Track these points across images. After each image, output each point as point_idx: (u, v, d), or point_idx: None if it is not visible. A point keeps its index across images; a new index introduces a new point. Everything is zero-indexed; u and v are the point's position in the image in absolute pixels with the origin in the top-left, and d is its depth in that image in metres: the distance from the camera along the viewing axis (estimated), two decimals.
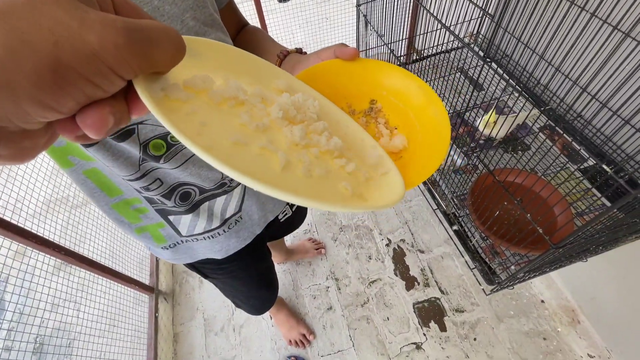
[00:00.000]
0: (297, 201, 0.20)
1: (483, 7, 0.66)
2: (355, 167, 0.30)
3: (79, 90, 0.14)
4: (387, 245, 1.42)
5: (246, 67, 0.32)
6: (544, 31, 0.62)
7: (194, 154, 0.45)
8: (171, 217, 0.51)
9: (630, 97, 0.40)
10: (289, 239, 1.48)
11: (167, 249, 0.56)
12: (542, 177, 0.75)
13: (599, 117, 0.65)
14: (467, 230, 0.79)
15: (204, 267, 0.65)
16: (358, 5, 0.94)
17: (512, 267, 0.72)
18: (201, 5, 0.40)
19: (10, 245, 0.86)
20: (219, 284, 0.75)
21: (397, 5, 0.86)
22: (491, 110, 0.79)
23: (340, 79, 0.42)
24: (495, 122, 0.77)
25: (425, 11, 0.72)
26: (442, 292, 1.28)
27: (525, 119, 0.81)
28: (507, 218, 0.71)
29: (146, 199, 0.48)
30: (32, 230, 0.85)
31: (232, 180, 0.52)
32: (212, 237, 0.56)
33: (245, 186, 0.55)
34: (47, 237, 0.89)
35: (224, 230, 0.56)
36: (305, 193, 0.21)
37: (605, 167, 0.50)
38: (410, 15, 1.12)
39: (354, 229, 1.47)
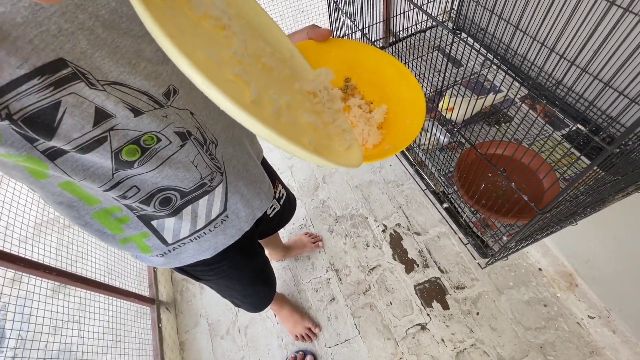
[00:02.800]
0: (261, 130, 0.18)
1: None
2: (322, 127, 0.30)
3: None
4: (383, 231, 1.42)
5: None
6: None
7: (170, 157, 0.44)
8: (154, 223, 0.50)
9: (597, 52, 0.40)
10: (285, 236, 1.48)
11: (155, 257, 0.55)
12: (523, 144, 0.76)
13: (569, 76, 0.65)
14: (457, 206, 0.79)
15: (194, 270, 0.64)
16: None
17: (504, 238, 0.72)
18: None
19: None
20: (213, 286, 0.74)
21: None
22: (446, 95, 0.78)
23: (314, 59, 0.43)
24: (447, 109, 0.77)
25: None
26: (441, 271, 1.29)
27: (494, 101, 0.81)
28: (494, 189, 0.72)
29: (125, 206, 0.46)
30: (21, 255, 0.83)
31: (212, 179, 0.50)
32: (199, 237, 0.55)
33: (226, 184, 0.53)
34: (37, 260, 0.87)
35: (209, 230, 0.55)
36: (269, 125, 0.19)
37: (580, 126, 0.50)
38: None
39: (349, 218, 1.48)
